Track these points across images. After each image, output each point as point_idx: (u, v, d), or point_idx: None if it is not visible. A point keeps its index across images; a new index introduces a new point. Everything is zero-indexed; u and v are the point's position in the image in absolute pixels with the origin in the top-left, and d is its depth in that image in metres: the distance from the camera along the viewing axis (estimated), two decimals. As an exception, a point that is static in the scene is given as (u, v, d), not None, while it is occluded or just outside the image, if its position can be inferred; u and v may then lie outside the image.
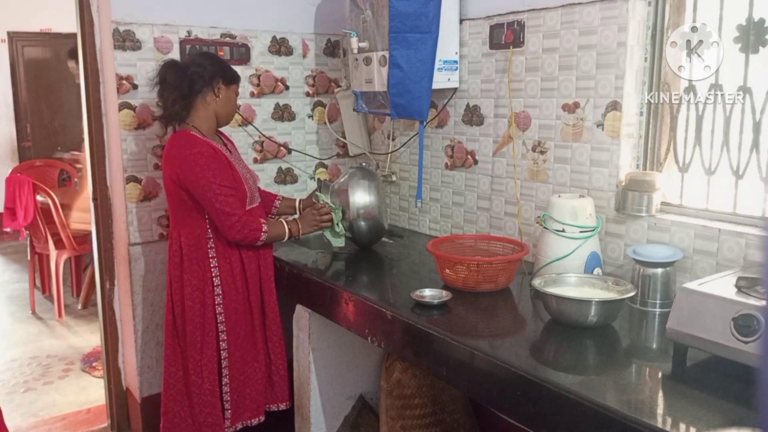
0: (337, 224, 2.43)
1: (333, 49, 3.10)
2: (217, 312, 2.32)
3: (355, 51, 2.51)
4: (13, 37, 7.17)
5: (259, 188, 2.49)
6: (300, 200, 2.64)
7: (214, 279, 2.30)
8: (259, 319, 2.41)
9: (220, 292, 2.31)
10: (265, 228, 2.28)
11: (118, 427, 2.95)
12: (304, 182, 3.10)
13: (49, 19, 7.06)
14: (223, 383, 2.35)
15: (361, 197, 2.45)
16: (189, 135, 2.24)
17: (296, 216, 2.55)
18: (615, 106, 2.00)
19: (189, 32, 2.70)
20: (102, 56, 2.64)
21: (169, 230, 2.39)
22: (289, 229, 2.35)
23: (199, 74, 2.26)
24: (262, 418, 2.43)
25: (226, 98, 2.33)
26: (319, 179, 2.68)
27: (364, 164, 2.64)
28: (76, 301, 4.82)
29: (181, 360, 2.35)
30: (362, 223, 2.46)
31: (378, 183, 2.54)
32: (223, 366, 2.34)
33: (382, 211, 2.50)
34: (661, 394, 1.39)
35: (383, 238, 2.62)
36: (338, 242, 2.46)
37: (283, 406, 2.48)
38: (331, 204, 2.45)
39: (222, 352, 2.34)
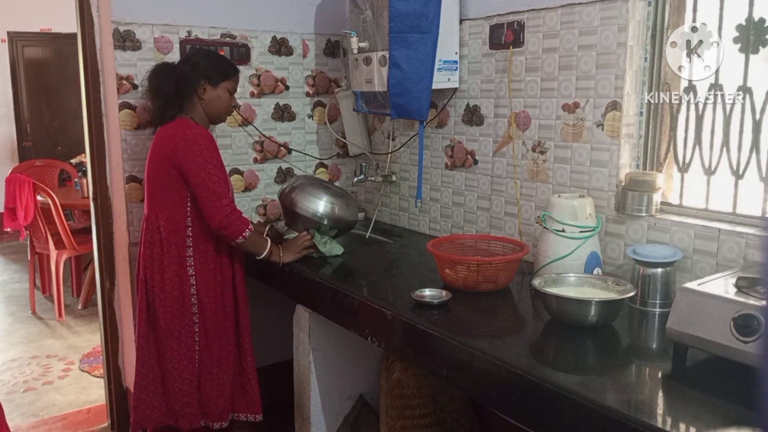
0: (324, 243, 2.39)
1: (333, 49, 3.10)
2: (192, 302, 2.30)
3: (355, 51, 2.51)
4: (13, 37, 7.16)
5: None
6: (270, 226, 2.57)
7: (188, 269, 2.29)
8: (232, 323, 2.39)
9: (195, 282, 2.30)
10: (251, 227, 2.25)
11: (118, 427, 2.95)
12: (304, 182, 3.10)
13: (49, 19, 7.06)
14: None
15: (314, 204, 2.42)
16: (188, 121, 2.29)
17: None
18: (615, 106, 2.00)
19: (189, 32, 2.71)
20: (102, 56, 2.64)
21: (146, 213, 2.34)
22: (271, 250, 2.28)
23: (184, 77, 2.29)
24: (225, 424, 2.38)
25: (215, 97, 2.33)
26: (270, 228, 2.56)
27: (310, 175, 2.56)
28: (76, 301, 4.82)
29: (156, 348, 2.33)
30: (334, 221, 2.44)
31: (313, 180, 2.57)
32: (195, 357, 2.33)
33: (341, 201, 2.48)
34: (661, 394, 1.39)
35: (385, 238, 2.62)
36: (335, 251, 2.42)
37: (252, 418, 2.42)
38: (305, 231, 2.41)
39: (195, 344, 2.32)
